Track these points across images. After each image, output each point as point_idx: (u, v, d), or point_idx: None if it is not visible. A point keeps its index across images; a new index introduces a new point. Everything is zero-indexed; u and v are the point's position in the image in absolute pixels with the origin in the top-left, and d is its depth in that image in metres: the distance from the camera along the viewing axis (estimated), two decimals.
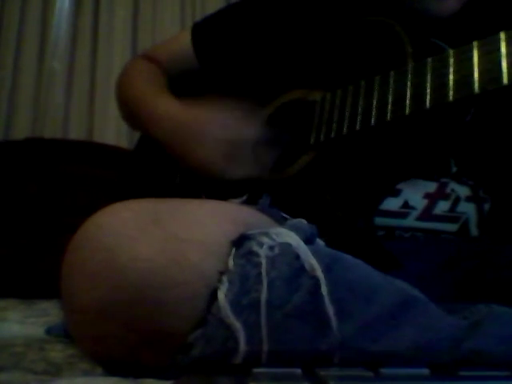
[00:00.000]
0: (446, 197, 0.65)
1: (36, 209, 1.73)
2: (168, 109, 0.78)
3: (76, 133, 2.11)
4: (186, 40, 0.87)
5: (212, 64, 0.85)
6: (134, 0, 2.21)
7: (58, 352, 0.58)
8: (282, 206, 0.59)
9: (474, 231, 0.67)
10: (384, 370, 0.36)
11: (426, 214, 0.65)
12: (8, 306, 1.06)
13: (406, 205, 0.65)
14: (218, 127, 0.73)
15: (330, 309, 0.40)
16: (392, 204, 0.65)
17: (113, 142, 2.03)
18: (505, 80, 0.51)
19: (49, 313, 0.96)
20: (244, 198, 0.70)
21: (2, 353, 0.57)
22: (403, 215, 0.65)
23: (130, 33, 2.19)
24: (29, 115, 2.10)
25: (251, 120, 0.74)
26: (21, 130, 2.06)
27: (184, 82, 0.87)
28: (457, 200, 0.65)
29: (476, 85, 0.52)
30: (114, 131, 2.10)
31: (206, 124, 0.73)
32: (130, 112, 0.87)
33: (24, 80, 2.12)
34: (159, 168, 0.84)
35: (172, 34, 2.10)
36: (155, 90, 0.83)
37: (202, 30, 0.87)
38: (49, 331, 0.69)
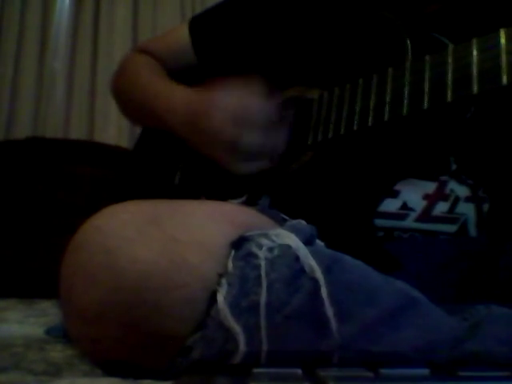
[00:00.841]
0: (445, 198, 0.65)
1: (36, 208, 1.73)
2: (178, 94, 0.77)
3: (77, 132, 2.12)
4: (183, 34, 0.86)
5: (210, 59, 0.85)
6: (134, 0, 2.21)
7: (57, 352, 0.57)
8: (281, 207, 0.59)
9: (473, 231, 0.66)
10: (384, 370, 0.36)
11: (425, 216, 0.65)
12: (8, 306, 1.06)
13: (404, 206, 0.65)
14: (226, 95, 0.72)
15: (330, 310, 0.40)
16: (391, 205, 0.65)
17: (113, 141, 2.03)
18: (504, 79, 0.50)
19: (48, 313, 0.96)
20: (243, 198, 0.70)
21: (2, 353, 0.57)
22: (402, 217, 0.65)
23: (131, 33, 2.19)
24: (30, 115, 2.11)
25: (265, 99, 0.73)
26: (22, 130, 2.06)
27: (181, 79, 0.87)
28: (456, 201, 0.65)
29: (475, 84, 0.52)
30: (114, 131, 2.10)
31: (216, 96, 0.72)
32: (134, 103, 0.85)
33: (25, 80, 2.12)
34: (158, 168, 0.83)
35: None
36: (160, 77, 0.82)
37: (200, 25, 0.86)
38: (48, 332, 0.69)
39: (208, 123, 0.71)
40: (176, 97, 0.77)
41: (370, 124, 0.59)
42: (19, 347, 0.60)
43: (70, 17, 2.18)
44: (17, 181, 1.77)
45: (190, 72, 0.86)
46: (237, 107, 0.71)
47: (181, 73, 0.86)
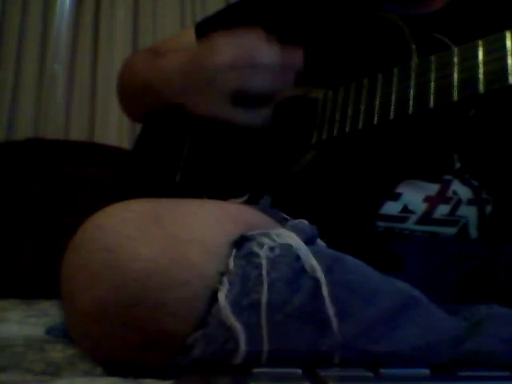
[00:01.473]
0: (446, 200, 0.65)
1: (37, 209, 1.73)
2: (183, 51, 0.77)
3: (77, 133, 2.12)
4: (189, 37, 0.87)
5: None
6: (134, 1, 2.21)
7: (57, 352, 0.57)
8: (283, 206, 0.59)
9: (474, 233, 0.66)
10: (384, 370, 0.36)
11: (425, 218, 0.65)
12: (8, 306, 1.06)
13: (405, 209, 0.65)
14: (228, 37, 0.71)
15: (331, 310, 0.40)
16: (391, 208, 0.65)
17: (114, 142, 2.03)
18: (510, 79, 0.50)
19: (49, 313, 0.96)
20: (245, 197, 0.70)
21: (2, 353, 0.57)
22: (402, 219, 0.65)
23: (131, 34, 2.19)
24: (30, 116, 2.11)
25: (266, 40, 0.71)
26: (22, 131, 2.06)
27: None
28: (458, 203, 0.65)
29: (481, 84, 0.52)
30: (115, 132, 2.10)
31: (218, 39, 0.71)
32: (137, 83, 0.85)
33: (25, 81, 2.12)
34: (159, 167, 0.83)
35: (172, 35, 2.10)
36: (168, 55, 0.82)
37: (206, 27, 0.87)
38: (49, 331, 0.69)
39: (211, 59, 0.70)
40: (177, 52, 0.77)
41: (375, 122, 0.59)
42: (19, 347, 0.60)
43: (70, 18, 2.19)
44: (17, 181, 1.77)
45: None
46: (241, 46, 0.70)
47: None
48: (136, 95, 0.87)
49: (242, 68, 0.69)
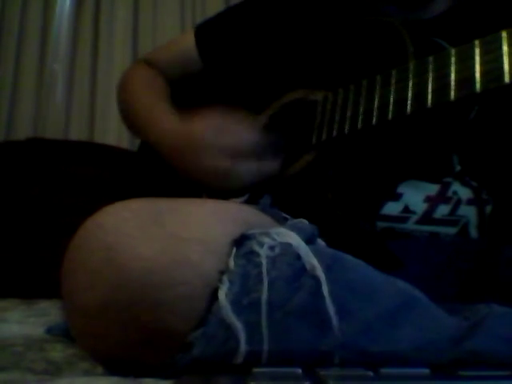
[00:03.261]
0: (446, 200, 0.65)
1: (37, 209, 1.73)
2: (166, 126, 0.78)
3: (77, 133, 2.11)
4: (188, 41, 0.88)
5: (215, 63, 0.85)
6: (134, 1, 2.21)
7: (57, 352, 0.57)
8: (283, 206, 0.59)
9: (474, 233, 0.66)
10: (384, 370, 0.36)
11: (426, 218, 0.65)
12: (8, 306, 1.06)
13: (406, 209, 0.65)
14: (215, 135, 0.72)
15: (331, 308, 0.40)
16: (392, 208, 0.65)
17: (114, 142, 2.03)
18: (506, 79, 0.51)
19: (49, 313, 0.96)
20: (245, 197, 0.70)
21: (2, 353, 0.57)
22: (403, 220, 0.65)
23: (131, 34, 2.19)
24: (30, 116, 2.10)
25: (249, 126, 0.74)
26: (22, 131, 2.06)
27: (185, 86, 0.87)
28: (458, 203, 0.65)
29: (477, 84, 0.52)
30: (115, 132, 2.09)
31: (203, 133, 0.73)
32: (130, 122, 0.88)
33: (25, 81, 2.12)
34: (160, 167, 0.84)
35: (172, 35, 2.11)
36: (154, 102, 0.83)
37: (206, 30, 0.87)
38: (49, 331, 0.69)
39: (200, 159, 0.72)
40: (165, 127, 0.78)
41: (374, 123, 0.60)
42: (19, 347, 0.60)
43: (70, 18, 2.18)
44: (17, 181, 1.77)
45: (193, 80, 0.86)
46: (224, 140, 0.72)
47: (183, 81, 0.86)
48: (133, 129, 0.89)
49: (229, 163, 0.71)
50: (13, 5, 2.13)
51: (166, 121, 0.78)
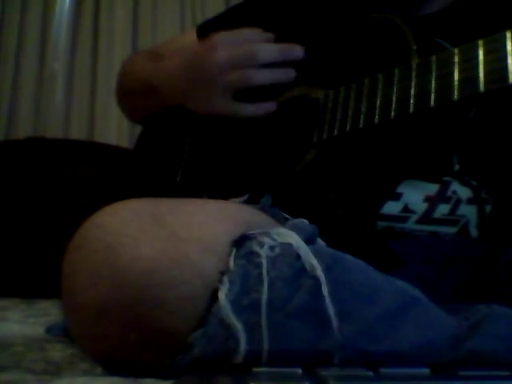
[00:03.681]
0: (446, 200, 0.65)
1: (37, 208, 1.73)
2: (171, 56, 0.79)
3: (77, 133, 2.11)
4: (189, 39, 0.88)
5: None
6: (133, 1, 2.21)
7: (57, 352, 0.57)
8: (283, 205, 0.59)
9: (474, 233, 0.66)
10: (384, 370, 0.36)
11: (426, 218, 0.65)
12: (8, 306, 1.06)
13: (405, 209, 0.65)
14: (226, 35, 0.73)
15: (331, 309, 0.40)
16: (392, 208, 0.65)
17: (114, 142, 2.03)
18: (510, 79, 0.50)
19: (49, 312, 0.96)
20: (245, 197, 0.70)
21: (2, 353, 0.57)
22: (403, 219, 0.65)
23: (131, 33, 2.19)
24: (30, 115, 2.11)
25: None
26: (22, 130, 2.06)
27: None
28: (457, 203, 0.65)
29: (481, 84, 0.52)
30: (115, 131, 2.10)
31: (215, 37, 0.73)
32: (133, 87, 0.87)
33: (25, 80, 2.12)
34: (160, 167, 0.83)
35: (172, 35, 2.11)
36: (159, 63, 0.84)
37: (208, 28, 0.87)
38: (49, 330, 0.69)
39: (210, 59, 0.72)
40: (177, 52, 0.79)
41: (376, 122, 0.60)
42: (19, 346, 0.60)
43: (70, 17, 2.18)
44: (17, 181, 1.77)
45: None
46: (240, 44, 0.72)
47: None
48: (136, 96, 0.87)
49: (243, 66, 0.70)
50: (13, 5, 2.13)
51: (173, 55, 0.79)
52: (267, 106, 0.73)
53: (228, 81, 0.71)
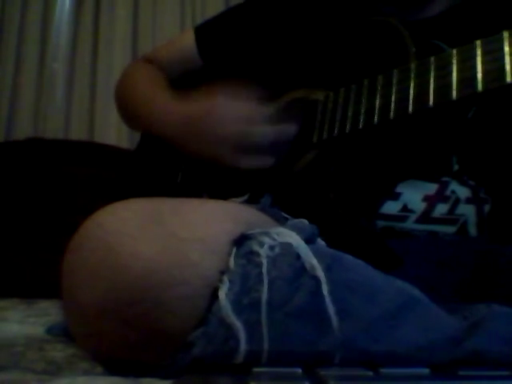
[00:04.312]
0: (445, 199, 0.65)
1: (36, 209, 1.73)
2: (168, 105, 0.78)
3: (77, 133, 2.11)
4: (188, 40, 0.88)
5: (215, 62, 0.86)
6: (134, 1, 2.21)
7: (57, 351, 0.57)
8: (283, 205, 0.59)
9: (473, 232, 0.67)
10: (384, 370, 0.36)
11: (425, 217, 0.65)
12: (8, 306, 1.06)
13: (405, 208, 0.65)
14: (229, 104, 0.73)
15: (331, 308, 0.40)
16: (391, 207, 0.65)
17: (114, 142, 2.03)
18: (508, 78, 0.51)
19: (49, 313, 0.96)
20: (245, 197, 0.70)
21: (2, 352, 0.57)
22: (402, 219, 0.65)
23: (131, 33, 2.19)
24: (30, 116, 2.11)
25: (262, 110, 0.74)
26: (22, 131, 2.06)
27: (185, 84, 0.88)
28: (456, 202, 0.65)
29: (479, 83, 0.52)
30: (114, 132, 2.10)
31: (215, 105, 0.73)
32: (131, 113, 0.87)
33: (25, 81, 2.12)
34: (160, 167, 0.84)
35: (172, 35, 2.11)
36: (155, 88, 0.84)
37: (206, 30, 0.87)
38: (49, 331, 0.69)
39: (210, 122, 0.72)
40: (172, 108, 0.78)
41: (375, 122, 0.60)
42: (19, 346, 0.60)
43: (70, 17, 2.18)
44: (17, 181, 1.77)
45: (193, 79, 0.86)
46: (238, 108, 0.71)
47: (183, 80, 0.86)
48: (131, 118, 0.88)
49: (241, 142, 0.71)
50: (13, 5, 2.13)
51: (170, 104, 0.79)
52: (267, 160, 0.73)
53: (227, 138, 0.72)
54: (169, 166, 0.82)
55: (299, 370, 0.36)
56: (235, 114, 0.72)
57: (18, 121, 2.10)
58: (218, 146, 0.72)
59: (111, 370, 0.43)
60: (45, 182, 1.77)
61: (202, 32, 0.87)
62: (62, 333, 0.65)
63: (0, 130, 2.08)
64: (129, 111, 0.88)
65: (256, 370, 0.36)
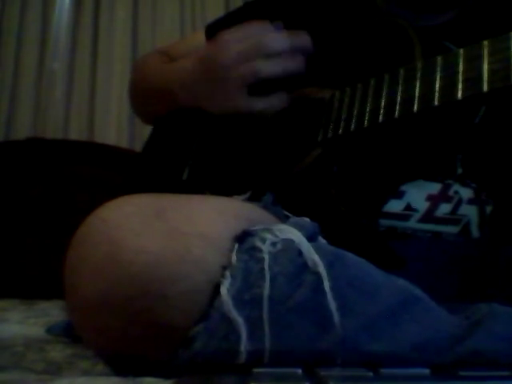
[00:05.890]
0: (448, 199, 0.65)
1: (37, 209, 1.74)
2: (184, 63, 0.79)
3: (77, 133, 2.12)
4: (199, 37, 0.89)
5: None
6: (133, 1, 2.21)
7: (57, 352, 0.58)
8: (285, 204, 0.59)
9: (476, 233, 0.67)
10: (384, 370, 0.36)
11: (428, 217, 0.65)
12: (8, 307, 1.06)
13: (408, 207, 0.65)
14: (236, 30, 0.73)
15: (332, 305, 0.40)
16: (395, 206, 0.65)
17: (113, 142, 2.03)
18: None
19: (49, 313, 0.96)
20: (247, 195, 0.70)
21: (2, 353, 0.57)
22: (405, 217, 0.65)
23: (130, 33, 2.20)
24: (29, 115, 2.11)
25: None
26: (22, 131, 2.06)
27: None
28: (459, 202, 0.65)
29: (485, 83, 0.52)
30: (114, 132, 2.10)
31: (225, 34, 0.73)
32: (153, 93, 0.87)
33: (25, 80, 2.12)
34: (167, 165, 0.84)
35: (172, 35, 2.12)
36: (172, 64, 0.85)
37: (216, 27, 0.88)
38: (49, 331, 0.70)
39: (221, 56, 0.72)
40: (185, 63, 0.79)
41: (380, 121, 0.60)
42: (19, 347, 0.61)
43: (69, 17, 2.19)
44: (17, 181, 1.78)
45: None
46: (248, 37, 0.72)
47: None
48: (150, 100, 0.88)
49: (253, 58, 0.70)
50: (12, 5, 2.13)
51: (184, 62, 0.80)
52: (281, 99, 0.73)
53: (240, 75, 0.71)
54: (176, 161, 0.82)
55: (299, 371, 0.36)
56: (245, 44, 0.71)
57: (17, 121, 2.10)
58: (229, 81, 0.72)
59: (113, 366, 0.43)
60: (45, 181, 1.77)
61: (213, 29, 0.88)
62: (62, 333, 0.65)
63: (0, 130, 2.08)
64: (150, 92, 0.88)
65: (256, 370, 0.36)
